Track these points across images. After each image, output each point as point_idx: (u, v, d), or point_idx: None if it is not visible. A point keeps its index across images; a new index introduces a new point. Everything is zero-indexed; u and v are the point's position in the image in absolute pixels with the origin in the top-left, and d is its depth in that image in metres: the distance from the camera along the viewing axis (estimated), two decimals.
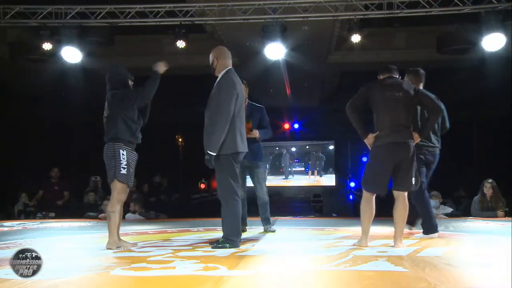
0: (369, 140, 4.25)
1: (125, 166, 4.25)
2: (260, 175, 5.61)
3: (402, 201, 4.21)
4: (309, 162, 17.05)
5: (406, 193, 4.25)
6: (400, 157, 4.16)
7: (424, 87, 4.78)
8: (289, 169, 17.13)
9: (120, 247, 4.23)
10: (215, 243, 4.25)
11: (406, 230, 4.71)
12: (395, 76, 4.36)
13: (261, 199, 5.59)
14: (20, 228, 6.58)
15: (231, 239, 4.20)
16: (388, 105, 4.18)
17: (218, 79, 4.38)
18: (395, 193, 4.25)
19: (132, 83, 4.53)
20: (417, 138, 4.30)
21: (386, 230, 5.09)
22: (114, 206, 4.29)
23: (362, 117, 4.33)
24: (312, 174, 16.92)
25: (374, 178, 4.24)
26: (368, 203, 4.26)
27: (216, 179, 4.31)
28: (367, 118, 4.38)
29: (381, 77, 4.38)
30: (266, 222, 5.60)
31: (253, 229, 5.70)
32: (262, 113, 5.60)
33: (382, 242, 4.43)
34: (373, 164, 4.27)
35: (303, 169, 17.27)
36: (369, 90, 4.29)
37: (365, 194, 4.30)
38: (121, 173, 4.25)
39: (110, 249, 4.19)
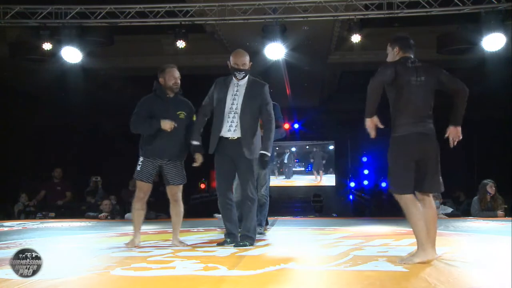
0: (373, 121, 3.52)
1: (140, 163, 4.47)
2: (263, 176, 5.50)
3: (430, 205, 3.58)
4: (311, 162, 16.95)
5: (431, 195, 3.63)
6: (425, 151, 3.53)
7: None
8: (289, 169, 17.09)
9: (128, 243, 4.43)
10: (242, 242, 4.30)
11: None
12: (412, 56, 3.71)
13: (259, 201, 5.52)
14: (20, 228, 6.58)
15: (253, 236, 4.40)
16: (411, 92, 3.55)
17: (253, 82, 4.46)
18: (421, 195, 3.57)
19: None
20: (455, 131, 3.61)
21: (386, 229, 5.11)
22: (134, 203, 4.54)
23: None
24: (318, 174, 16.76)
25: (402, 174, 3.50)
26: (412, 205, 3.46)
27: (246, 178, 4.39)
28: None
29: (398, 52, 3.72)
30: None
31: None
32: None
33: (382, 241, 4.43)
34: (397, 158, 3.56)
35: (303, 169, 17.25)
36: (396, 69, 3.56)
37: (402, 198, 3.49)
38: (136, 170, 4.49)
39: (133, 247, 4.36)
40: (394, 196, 3.59)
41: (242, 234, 4.39)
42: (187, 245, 4.44)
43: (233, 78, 4.45)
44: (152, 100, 4.49)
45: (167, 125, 4.34)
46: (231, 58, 4.43)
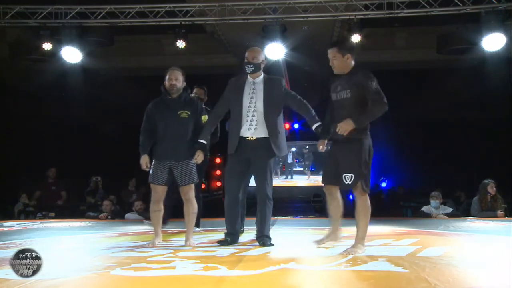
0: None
1: (152, 166, 4.52)
2: None
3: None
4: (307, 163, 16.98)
5: None
6: None
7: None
8: (290, 169, 17.09)
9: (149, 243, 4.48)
10: (264, 241, 4.33)
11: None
12: None
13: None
14: (20, 228, 6.58)
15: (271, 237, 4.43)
16: None
17: (269, 80, 4.46)
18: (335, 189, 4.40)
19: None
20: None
21: (386, 229, 5.11)
22: (151, 205, 4.61)
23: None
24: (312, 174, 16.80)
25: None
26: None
27: (264, 178, 4.37)
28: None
29: (349, 60, 3.97)
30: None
31: (253, 229, 5.69)
32: None
33: (382, 241, 4.43)
34: (370, 160, 4.16)
35: (303, 169, 17.24)
36: None
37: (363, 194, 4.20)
38: (149, 174, 4.55)
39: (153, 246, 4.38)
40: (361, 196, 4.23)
41: (261, 235, 4.37)
42: (195, 245, 4.43)
43: (248, 76, 4.40)
44: (157, 103, 4.59)
45: (141, 162, 4.52)
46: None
